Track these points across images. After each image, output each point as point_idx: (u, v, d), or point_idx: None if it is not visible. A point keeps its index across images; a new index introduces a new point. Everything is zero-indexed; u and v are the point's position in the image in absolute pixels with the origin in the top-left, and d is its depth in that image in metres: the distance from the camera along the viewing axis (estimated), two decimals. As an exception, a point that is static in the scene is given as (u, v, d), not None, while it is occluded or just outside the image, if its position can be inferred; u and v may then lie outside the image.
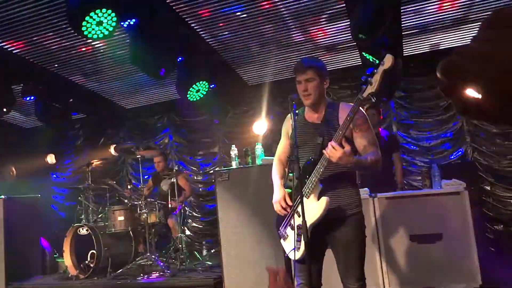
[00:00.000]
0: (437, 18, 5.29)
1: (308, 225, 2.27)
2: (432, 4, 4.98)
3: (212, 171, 6.94)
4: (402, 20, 5.21)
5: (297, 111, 2.64)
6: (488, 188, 6.00)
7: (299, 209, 2.34)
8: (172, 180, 5.56)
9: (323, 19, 5.22)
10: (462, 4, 5.00)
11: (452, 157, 6.26)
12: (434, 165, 4.29)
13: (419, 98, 6.52)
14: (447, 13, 5.19)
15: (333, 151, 2.22)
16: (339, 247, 2.45)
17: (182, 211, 5.63)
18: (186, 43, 5.36)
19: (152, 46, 4.75)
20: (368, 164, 2.36)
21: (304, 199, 2.35)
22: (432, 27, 5.54)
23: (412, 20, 5.31)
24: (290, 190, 2.54)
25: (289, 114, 2.66)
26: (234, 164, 4.70)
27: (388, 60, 2.22)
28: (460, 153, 6.24)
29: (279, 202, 2.49)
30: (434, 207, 3.87)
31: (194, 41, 5.47)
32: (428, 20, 5.34)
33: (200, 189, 7.56)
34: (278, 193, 2.54)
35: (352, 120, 2.30)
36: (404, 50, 6.02)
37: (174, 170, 5.63)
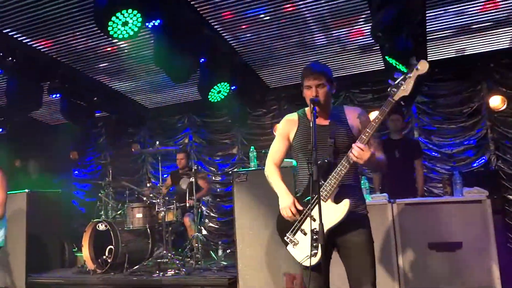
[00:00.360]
0: (463, 23, 5.21)
1: (326, 229, 2.25)
2: (458, 8, 4.90)
3: (230, 172, 6.98)
4: (427, 23, 5.15)
5: (298, 113, 2.63)
6: (512, 197, 5.86)
7: (313, 213, 2.30)
8: (191, 180, 5.61)
9: (345, 23, 5.20)
10: (490, 9, 4.90)
11: (475, 164, 6.15)
12: (456, 172, 4.22)
13: (443, 104, 6.42)
14: (474, 18, 5.10)
15: (362, 153, 2.23)
16: (353, 250, 2.38)
17: (199, 210, 5.67)
18: (209, 45, 5.41)
19: (176, 47, 4.82)
20: (382, 165, 2.45)
21: (321, 202, 2.31)
22: (458, 32, 5.45)
23: (437, 24, 5.24)
24: (299, 194, 2.50)
25: (288, 116, 2.65)
26: (252, 166, 4.71)
27: (423, 65, 2.23)
28: (483, 161, 6.11)
29: (289, 208, 2.41)
30: (454, 215, 3.80)
31: (217, 43, 5.52)
32: (454, 24, 5.25)
33: (218, 189, 7.60)
34: (287, 198, 2.46)
35: (379, 123, 2.29)
36: (428, 55, 5.94)
37: (193, 170, 5.68)
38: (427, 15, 4.96)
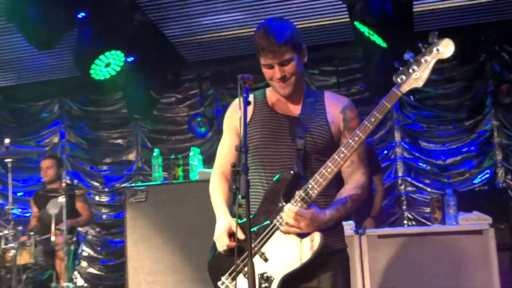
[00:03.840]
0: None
1: (284, 274, 2.26)
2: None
3: (123, 189, 6.83)
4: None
5: (255, 95, 2.60)
6: (525, 227, 6.22)
7: (266, 249, 2.29)
8: (62, 200, 5.42)
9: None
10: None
11: (476, 180, 6.48)
12: (449, 191, 4.42)
13: (434, 95, 6.70)
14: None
15: (298, 219, 2.21)
16: None
17: (73, 247, 5.49)
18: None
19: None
20: (349, 209, 2.40)
21: (278, 233, 2.31)
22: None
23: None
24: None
25: (237, 100, 2.55)
26: (157, 179, 4.64)
27: (445, 47, 2.23)
28: (487, 175, 6.46)
29: (226, 238, 2.36)
30: (446, 250, 3.96)
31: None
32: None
33: (104, 216, 7.44)
34: (224, 224, 2.42)
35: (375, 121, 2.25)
36: (414, 24, 6.16)
37: (64, 185, 5.49)
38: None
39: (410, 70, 2.26)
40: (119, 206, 7.23)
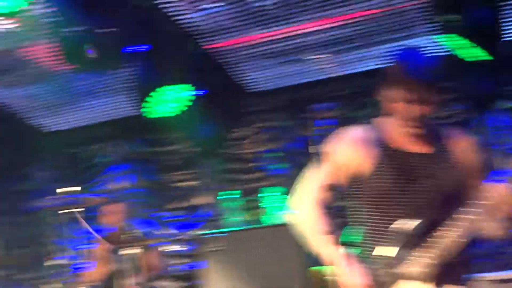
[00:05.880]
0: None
1: None
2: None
3: (196, 237, 6.87)
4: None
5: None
6: None
7: None
8: (132, 252, 5.51)
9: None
10: None
11: None
12: None
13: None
14: None
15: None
16: None
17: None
18: (153, 23, 5.46)
19: (92, 28, 4.88)
20: None
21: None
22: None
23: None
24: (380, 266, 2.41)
25: (354, 132, 2.55)
26: (234, 223, 4.69)
27: None
28: None
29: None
30: None
31: (162, 22, 5.58)
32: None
33: (177, 267, 7.49)
34: (354, 269, 2.40)
35: None
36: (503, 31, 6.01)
37: (138, 235, 5.58)
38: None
39: None
40: (194, 256, 7.28)
